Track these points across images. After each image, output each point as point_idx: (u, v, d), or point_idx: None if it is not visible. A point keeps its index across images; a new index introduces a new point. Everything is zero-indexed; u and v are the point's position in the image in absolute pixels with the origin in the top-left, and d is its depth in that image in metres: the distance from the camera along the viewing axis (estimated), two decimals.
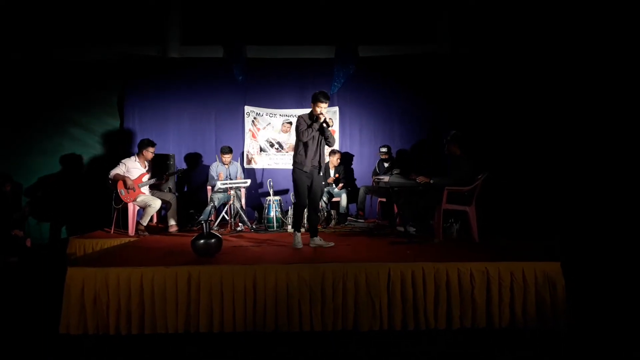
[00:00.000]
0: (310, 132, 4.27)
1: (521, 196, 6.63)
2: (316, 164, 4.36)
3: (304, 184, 4.35)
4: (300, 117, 4.39)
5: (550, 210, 6.51)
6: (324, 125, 4.29)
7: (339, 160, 6.85)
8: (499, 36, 7.11)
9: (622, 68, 6.38)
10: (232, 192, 5.85)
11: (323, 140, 4.40)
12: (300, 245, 4.32)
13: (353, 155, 7.40)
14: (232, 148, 6.48)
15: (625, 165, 6.34)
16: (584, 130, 6.69)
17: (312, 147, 4.32)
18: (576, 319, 3.46)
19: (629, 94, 6.29)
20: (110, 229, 5.70)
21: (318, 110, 4.25)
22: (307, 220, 4.56)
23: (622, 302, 4.02)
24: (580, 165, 6.66)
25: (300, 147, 4.35)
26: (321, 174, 4.44)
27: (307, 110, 4.39)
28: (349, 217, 6.48)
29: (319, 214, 5.94)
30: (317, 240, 4.42)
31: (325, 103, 4.28)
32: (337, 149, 7.15)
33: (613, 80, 6.49)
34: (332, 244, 4.40)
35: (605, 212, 6.34)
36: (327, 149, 7.09)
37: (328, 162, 6.91)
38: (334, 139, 4.43)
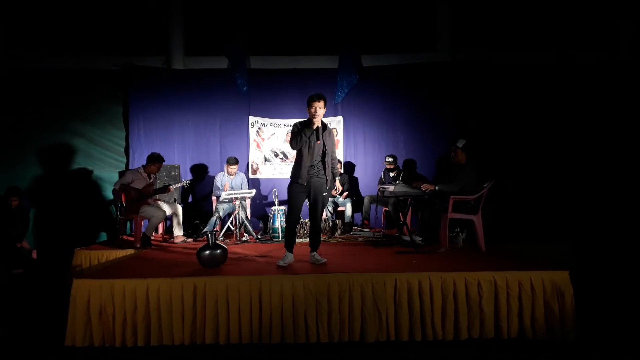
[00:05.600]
0: (301, 139, 3.85)
1: (527, 203, 6.61)
2: (316, 173, 3.92)
3: (298, 198, 3.95)
4: (294, 124, 4.00)
5: (557, 216, 6.50)
6: (318, 130, 3.86)
7: (339, 170, 6.85)
8: (500, 42, 7.16)
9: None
10: (237, 202, 5.85)
11: (323, 148, 3.93)
12: (284, 264, 3.87)
13: (358, 165, 7.39)
14: (238, 159, 6.50)
15: (634, 169, 6.36)
16: (589, 134, 6.74)
17: (307, 156, 3.89)
18: (585, 328, 3.42)
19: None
20: (116, 240, 5.71)
21: (312, 111, 3.84)
22: (309, 234, 4.19)
23: (632, 310, 3.97)
24: (586, 171, 6.68)
25: (296, 156, 3.99)
26: (328, 187, 4.02)
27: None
28: (354, 227, 6.46)
29: (321, 225, 5.88)
30: (313, 256, 4.01)
31: (319, 102, 3.84)
32: (340, 158, 7.16)
33: (625, 81, 6.56)
34: (324, 260, 3.96)
35: (613, 216, 6.33)
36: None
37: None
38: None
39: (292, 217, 4.03)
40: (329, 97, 7.16)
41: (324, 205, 4.16)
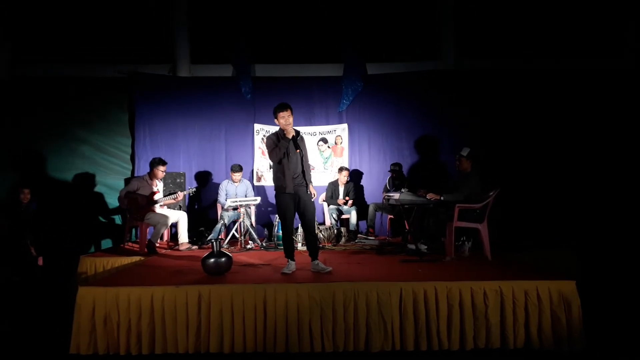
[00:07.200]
0: (280, 151, 3.94)
1: (532, 211, 6.58)
2: (300, 181, 4.00)
3: (289, 208, 4.01)
4: (268, 137, 4.07)
5: (563, 224, 6.47)
6: (294, 139, 3.97)
7: (346, 178, 6.84)
8: (503, 50, 7.21)
9: None
10: (242, 209, 5.86)
11: (301, 155, 4.03)
12: (288, 271, 3.98)
13: (362, 173, 7.38)
14: (242, 166, 6.51)
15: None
16: (593, 142, 6.74)
17: (289, 166, 3.96)
18: (593, 338, 3.39)
19: None
20: (121, 248, 5.72)
21: (282, 122, 3.96)
22: (306, 243, 4.29)
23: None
24: (591, 178, 6.67)
25: (277, 168, 4.02)
26: (309, 192, 4.05)
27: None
28: (359, 235, 6.44)
29: (323, 233, 5.90)
30: (317, 265, 4.03)
31: (286, 111, 3.95)
32: (346, 166, 7.15)
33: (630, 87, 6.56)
34: (330, 268, 4.01)
35: (619, 224, 6.30)
36: (335, 166, 7.16)
37: (337, 179, 6.90)
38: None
39: (287, 228, 4.11)
40: (334, 105, 7.32)
41: (314, 212, 4.22)
